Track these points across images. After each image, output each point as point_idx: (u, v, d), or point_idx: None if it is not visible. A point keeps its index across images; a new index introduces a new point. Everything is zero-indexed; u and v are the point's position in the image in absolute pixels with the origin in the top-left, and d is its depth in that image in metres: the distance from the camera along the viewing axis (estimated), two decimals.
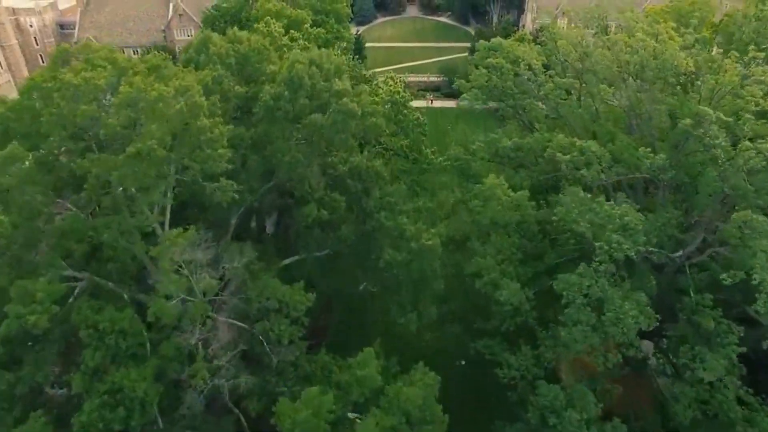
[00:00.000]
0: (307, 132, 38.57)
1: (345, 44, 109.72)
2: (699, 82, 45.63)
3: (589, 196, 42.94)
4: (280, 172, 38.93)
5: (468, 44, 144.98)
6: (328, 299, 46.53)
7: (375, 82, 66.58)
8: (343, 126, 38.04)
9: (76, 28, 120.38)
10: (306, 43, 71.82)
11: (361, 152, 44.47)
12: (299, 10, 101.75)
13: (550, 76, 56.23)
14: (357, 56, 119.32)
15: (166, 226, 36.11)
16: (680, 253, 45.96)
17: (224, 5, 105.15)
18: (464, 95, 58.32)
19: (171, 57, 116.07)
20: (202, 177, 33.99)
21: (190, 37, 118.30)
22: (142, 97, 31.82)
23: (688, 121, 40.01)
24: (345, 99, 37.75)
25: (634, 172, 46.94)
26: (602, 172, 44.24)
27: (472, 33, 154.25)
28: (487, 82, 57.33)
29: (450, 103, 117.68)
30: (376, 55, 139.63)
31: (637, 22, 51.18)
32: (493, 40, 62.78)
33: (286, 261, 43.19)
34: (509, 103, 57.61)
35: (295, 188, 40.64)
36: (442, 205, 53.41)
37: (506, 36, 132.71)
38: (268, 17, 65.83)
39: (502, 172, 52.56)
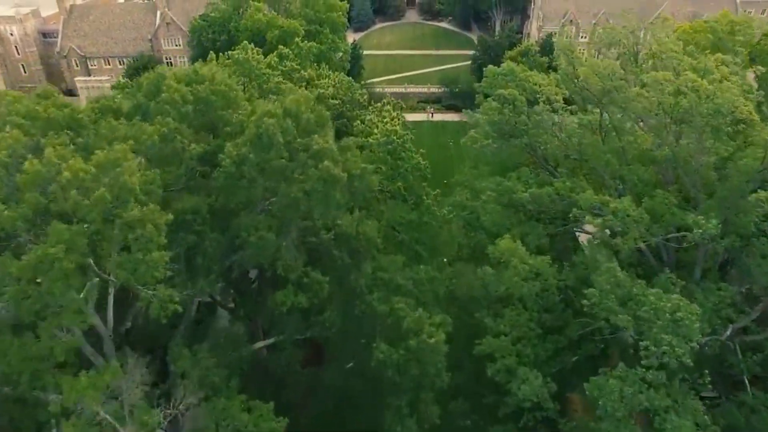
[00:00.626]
0: (279, 204, 30.03)
1: (341, 55, 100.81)
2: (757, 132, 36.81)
3: (620, 269, 34.29)
4: (246, 252, 30.46)
5: (470, 51, 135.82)
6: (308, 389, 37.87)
7: (369, 116, 57.66)
8: (324, 197, 29.50)
9: (59, 36, 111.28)
10: (293, 64, 62.87)
11: (350, 212, 35.82)
12: (291, 21, 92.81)
13: (572, 112, 47.39)
14: (354, 66, 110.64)
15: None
16: (729, 330, 37.45)
17: (212, 15, 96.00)
18: (472, 133, 49.41)
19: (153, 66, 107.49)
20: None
21: (178, 47, 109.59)
22: (53, 177, 23.27)
23: (764, 195, 31.31)
24: (327, 163, 29.15)
25: (672, 231, 38.43)
26: (640, 239, 35.57)
27: (474, 40, 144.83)
28: (498, 116, 48.51)
29: (451, 116, 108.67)
30: (375, 63, 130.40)
31: (675, 52, 42.15)
32: (503, 65, 53.83)
33: (259, 344, 34.65)
34: (523, 140, 48.78)
35: (264, 269, 32.20)
36: (444, 267, 44.68)
37: (511, 45, 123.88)
38: (246, 42, 56.51)
39: (516, 225, 43.79)
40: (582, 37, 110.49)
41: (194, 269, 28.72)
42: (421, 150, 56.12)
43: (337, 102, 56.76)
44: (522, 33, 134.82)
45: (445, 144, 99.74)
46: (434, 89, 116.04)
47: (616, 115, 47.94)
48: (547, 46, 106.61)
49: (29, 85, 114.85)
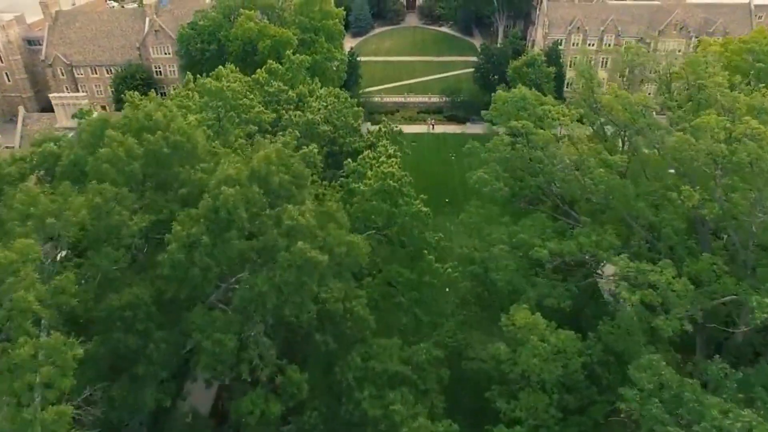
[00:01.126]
0: (241, 298, 23.24)
1: (337, 64, 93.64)
2: None
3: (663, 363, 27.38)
4: (202, 356, 23.61)
5: (472, 58, 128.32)
6: None
7: (366, 139, 50.79)
8: (298, 288, 22.75)
9: (44, 44, 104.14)
10: (281, 84, 55.79)
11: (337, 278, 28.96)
12: (284, 30, 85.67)
13: (597, 152, 40.36)
14: (351, 75, 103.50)
15: None
16: None
17: (201, 23, 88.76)
18: (481, 173, 42.38)
19: (145, 79, 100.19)
20: None
21: (168, 56, 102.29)
22: None
23: None
24: (301, 244, 22.37)
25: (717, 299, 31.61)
26: (684, 321, 28.68)
27: (476, 46, 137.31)
28: (511, 151, 41.59)
29: (453, 128, 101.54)
30: (374, 70, 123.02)
31: (723, 87, 35.08)
32: (514, 91, 46.87)
33: None
34: (537, 181, 41.79)
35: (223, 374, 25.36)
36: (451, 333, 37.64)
37: (515, 53, 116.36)
38: (222, 66, 49.52)
39: (532, 284, 36.83)
40: (590, 44, 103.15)
41: (137, 382, 21.95)
42: (422, 165, 49.16)
43: (328, 129, 49.80)
44: (526, 39, 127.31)
45: (446, 158, 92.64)
46: (435, 99, 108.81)
47: (645, 150, 40.92)
48: (553, 54, 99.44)
49: (14, 95, 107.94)
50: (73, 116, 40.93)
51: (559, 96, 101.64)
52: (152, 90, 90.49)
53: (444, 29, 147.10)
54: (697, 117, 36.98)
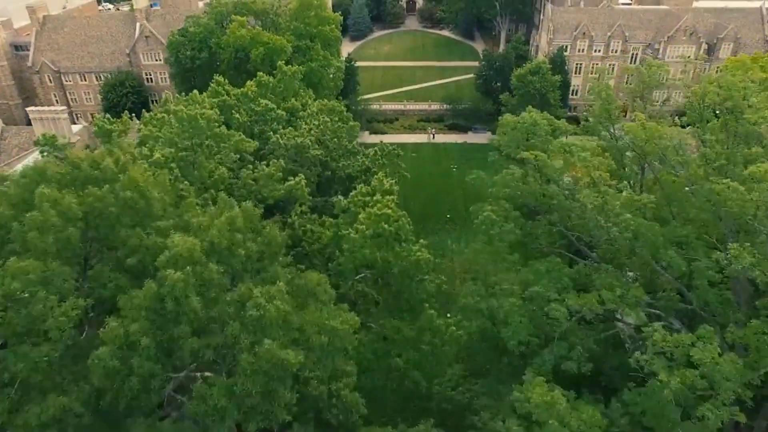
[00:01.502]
0: (195, 409, 18.27)
1: (333, 72, 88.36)
2: None
3: None
4: None
5: (473, 63, 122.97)
6: None
7: (361, 163, 45.64)
8: (266, 396, 17.79)
9: (31, 50, 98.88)
10: (268, 103, 50.61)
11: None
12: (278, 37, 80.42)
13: (620, 190, 35.30)
14: (349, 82, 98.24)
15: None
16: None
17: (191, 29, 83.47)
18: (489, 213, 37.20)
19: (135, 87, 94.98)
20: None
21: (159, 62, 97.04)
22: None
23: None
24: (268, 345, 17.39)
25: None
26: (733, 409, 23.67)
27: (478, 50, 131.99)
28: (522, 186, 36.54)
29: (454, 137, 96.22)
30: (373, 76, 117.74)
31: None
32: (524, 115, 41.71)
33: None
34: (551, 218, 36.70)
35: None
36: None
37: (518, 59, 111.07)
38: (197, 91, 44.42)
39: (548, 343, 31.81)
40: (596, 51, 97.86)
41: None
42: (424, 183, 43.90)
43: (319, 153, 44.66)
44: (529, 44, 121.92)
45: (447, 170, 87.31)
46: (436, 106, 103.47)
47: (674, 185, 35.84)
48: (558, 61, 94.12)
49: (1, 102, 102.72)
50: (35, 143, 35.79)
51: (564, 104, 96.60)
52: (140, 102, 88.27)
53: (444, 33, 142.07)
54: (737, 151, 31.94)
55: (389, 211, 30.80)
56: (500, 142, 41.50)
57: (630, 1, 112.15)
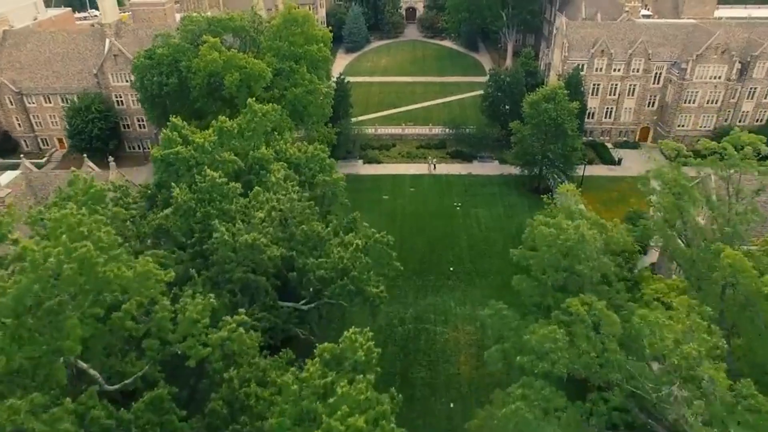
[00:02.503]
0: None
1: (321, 98, 76.33)
2: None
3: None
4: None
5: (479, 78, 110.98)
6: None
7: (339, 258, 33.89)
8: None
9: None
10: (216, 176, 38.74)
11: None
12: (256, 61, 68.51)
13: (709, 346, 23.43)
14: (341, 104, 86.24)
15: None
16: None
17: (159, 51, 71.58)
18: (519, 404, 25.13)
19: (102, 112, 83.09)
20: None
21: (129, 83, 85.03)
22: None
23: None
24: None
25: None
26: None
27: (482, 63, 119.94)
28: (569, 349, 24.59)
29: (458, 168, 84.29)
30: (368, 94, 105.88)
31: None
32: (563, 222, 29.89)
33: None
34: (614, 399, 24.65)
35: None
36: None
37: (529, 77, 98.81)
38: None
39: None
40: (615, 70, 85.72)
41: None
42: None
43: (278, 254, 32.75)
44: (539, 58, 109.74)
45: (450, 209, 75.40)
46: (437, 130, 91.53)
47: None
48: (573, 81, 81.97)
49: None
50: None
51: (580, 129, 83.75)
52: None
53: (446, 44, 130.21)
54: None
55: (366, 395, 18.94)
56: (525, 257, 29.28)
57: (650, 13, 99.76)
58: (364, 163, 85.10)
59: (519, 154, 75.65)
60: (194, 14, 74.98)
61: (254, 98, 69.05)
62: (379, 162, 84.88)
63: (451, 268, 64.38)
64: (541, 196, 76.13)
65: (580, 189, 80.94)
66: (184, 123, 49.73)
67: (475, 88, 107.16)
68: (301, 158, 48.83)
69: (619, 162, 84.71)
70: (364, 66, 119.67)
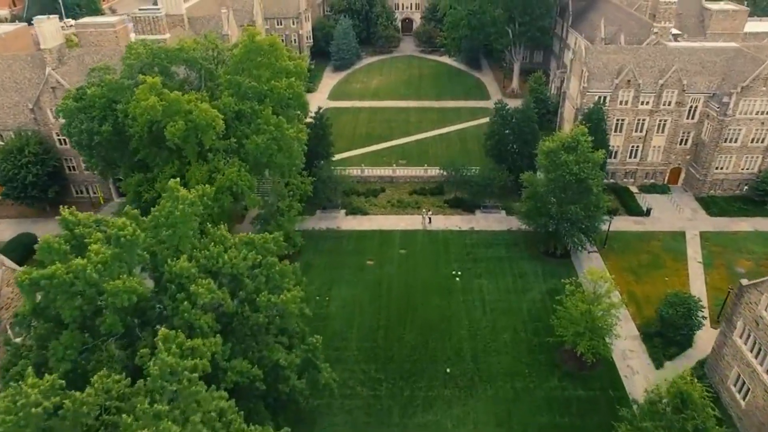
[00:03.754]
0: None
1: (291, 145, 61.20)
2: None
3: None
4: None
5: (481, 103, 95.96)
6: None
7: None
8: None
9: None
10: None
11: None
12: (204, 106, 53.64)
13: None
14: (320, 142, 71.52)
15: None
16: None
17: (90, 91, 56.87)
18: None
19: (39, 154, 67.58)
20: None
21: None
22: None
23: None
24: None
25: None
26: None
27: (485, 84, 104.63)
28: None
29: (457, 220, 69.54)
30: (356, 123, 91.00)
31: None
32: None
33: None
34: None
35: None
36: None
37: (539, 105, 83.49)
38: None
39: None
40: (644, 103, 70.67)
41: None
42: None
43: None
44: (549, 80, 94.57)
45: (447, 279, 60.91)
46: (433, 171, 76.61)
47: None
48: (594, 117, 67.04)
49: None
50: None
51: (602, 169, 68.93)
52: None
53: (445, 60, 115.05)
54: None
55: None
56: None
57: (679, 32, 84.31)
58: (348, 214, 70.42)
59: (531, 212, 60.84)
60: (140, 42, 59.88)
61: (207, 150, 54.75)
62: (364, 213, 70.19)
63: (448, 370, 49.92)
64: (557, 255, 62.53)
65: (603, 247, 66.96)
66: (77, 215, 34.89)
67: (478, 115, 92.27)
68: (240, 267, 34.13)
69: (648, 213, 69.84)
70: (352, 87, 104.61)
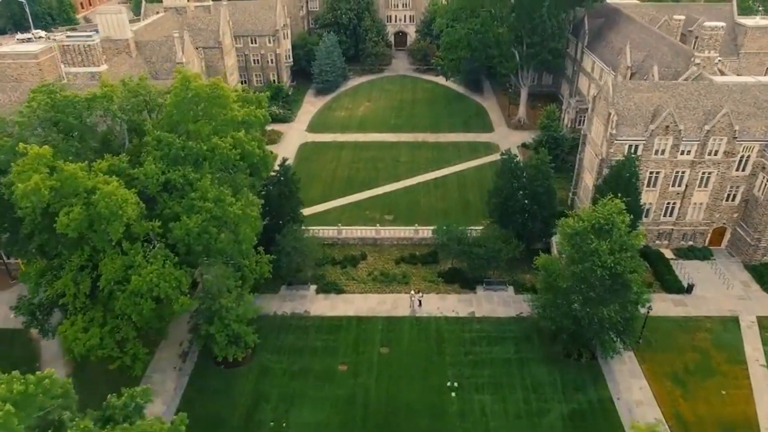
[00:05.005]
0: None
1: (235, 225, 46.20)
2: None
3: None
4: None
5: (483, 136, 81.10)
6: None
7: None
8: None
9: None
10: None
11: None
12: (112, 182, 38.75)
13: None
14: (288, 200, 56.92)
15: None
16: None
17: None
18: None
19: None
20: None
21: None
22: None
23: None
24: None
25: None
26: None
27: (487, 110, 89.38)
28: None
29: (453, 301, 55.04)
30: (337, 164, 76.07)
31: None
32: None
33: None
34: None
35: None
36: None
37: (554, 150, 67.80)
38: None
39: None
40: (684, 153, 55.68)
41: None
42: None
43: None
44: (562, 111, 79.40)
45: (441, 394, 46.47)
46: (426, 232, 61.66)
47: None
48: (626, 175, 52.12)
49: None
50: None
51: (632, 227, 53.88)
52: None
53: (442, 80, 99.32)
54: None
55: None
56: None
57: (719, 57, 68.69)
58: (319, 291, 55.71)
59: (548, 308, 45.99)
60: (45, 88, 44.82)
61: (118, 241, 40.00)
62: (339, 291, 55.36)
63: None
64: (581, 360, 47.73)
65: (638, 341, 52.21)
66: None
67: (479, 153, 77.43)
68: None
69: (690, 290, 54.86)
70: (336, 116, 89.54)
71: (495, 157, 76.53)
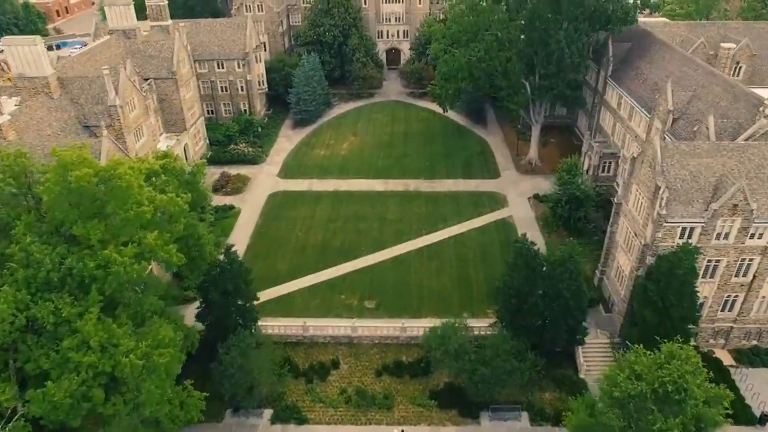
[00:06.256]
0: None
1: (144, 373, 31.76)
2: None
3: None
4: None
5: (488, 185, 66.67)
6: None
7: None
8: None
9: None
10: None
11: None
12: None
13: None
14: (234, 296, 42.60)
15: None
16: None
17: None
18: None
19: None
20: None
21: None
22: None
23: None
24: None
25: None
26: None
27: (491, 145, 74.46)
28: None
29: None
30: (310, 222, 61.61)
31: None
32: None
33: None
34: None
35: None
36: None
37: (574, 211, 50.64)
38: None
39: None
40: (754, 236, 41.18)
41: None
42: None
43: None
44: (582, 159, 64.75)
45: None
46: (414, 329, 47.27)
47: None
48: (683, 270, 37.79)
49: None
50: None
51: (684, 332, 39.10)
52: None
53: (439, 108, 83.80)
54: None
55: None
56: None
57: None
58: (275, 418, 41.61)
59: None
60: None
61: None
62: (301, 421, 41.23)
63: None
64: None
65: None
66: None
67: (483, 208, 62.97)
68: None
69: (763, 422, 40.55)
70: (314, 155, 74.84)
71: (501, 214, 61.94)
